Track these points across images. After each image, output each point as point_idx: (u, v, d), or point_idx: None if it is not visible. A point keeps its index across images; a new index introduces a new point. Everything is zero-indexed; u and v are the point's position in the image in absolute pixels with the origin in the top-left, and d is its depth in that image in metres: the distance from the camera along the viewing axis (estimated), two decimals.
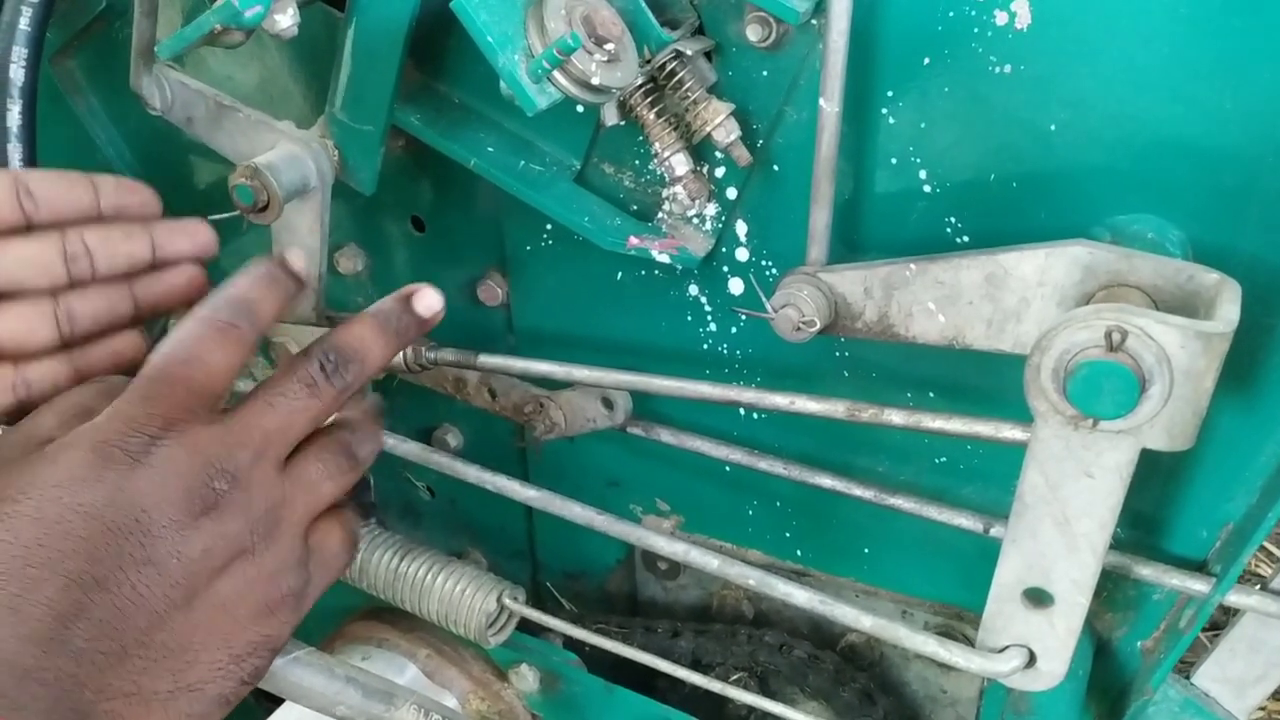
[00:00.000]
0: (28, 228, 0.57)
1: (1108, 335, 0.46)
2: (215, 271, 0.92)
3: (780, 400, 0.62)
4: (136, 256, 0.59)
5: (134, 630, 0.44)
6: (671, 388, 0.66)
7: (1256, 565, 1.43)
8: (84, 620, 0.43)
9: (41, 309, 0.56)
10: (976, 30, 0.54)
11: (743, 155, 0.62)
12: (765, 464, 0.73)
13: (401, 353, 0.73)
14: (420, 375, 0.78)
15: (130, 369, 0.55)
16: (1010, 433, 0.56)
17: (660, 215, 0.68)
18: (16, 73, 0.68)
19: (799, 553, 0.80)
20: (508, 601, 0.73)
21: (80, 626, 0.42)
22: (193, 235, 0.62)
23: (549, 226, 0.73)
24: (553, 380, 0.72)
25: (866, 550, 0.77)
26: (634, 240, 0.67)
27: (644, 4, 0.58)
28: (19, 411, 0.55)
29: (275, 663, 0.61)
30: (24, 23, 0.70)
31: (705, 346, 0.73)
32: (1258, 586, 0.60)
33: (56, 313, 0.57)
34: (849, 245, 0.64)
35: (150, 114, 0.70)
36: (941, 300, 0.57)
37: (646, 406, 0.77)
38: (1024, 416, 0.51)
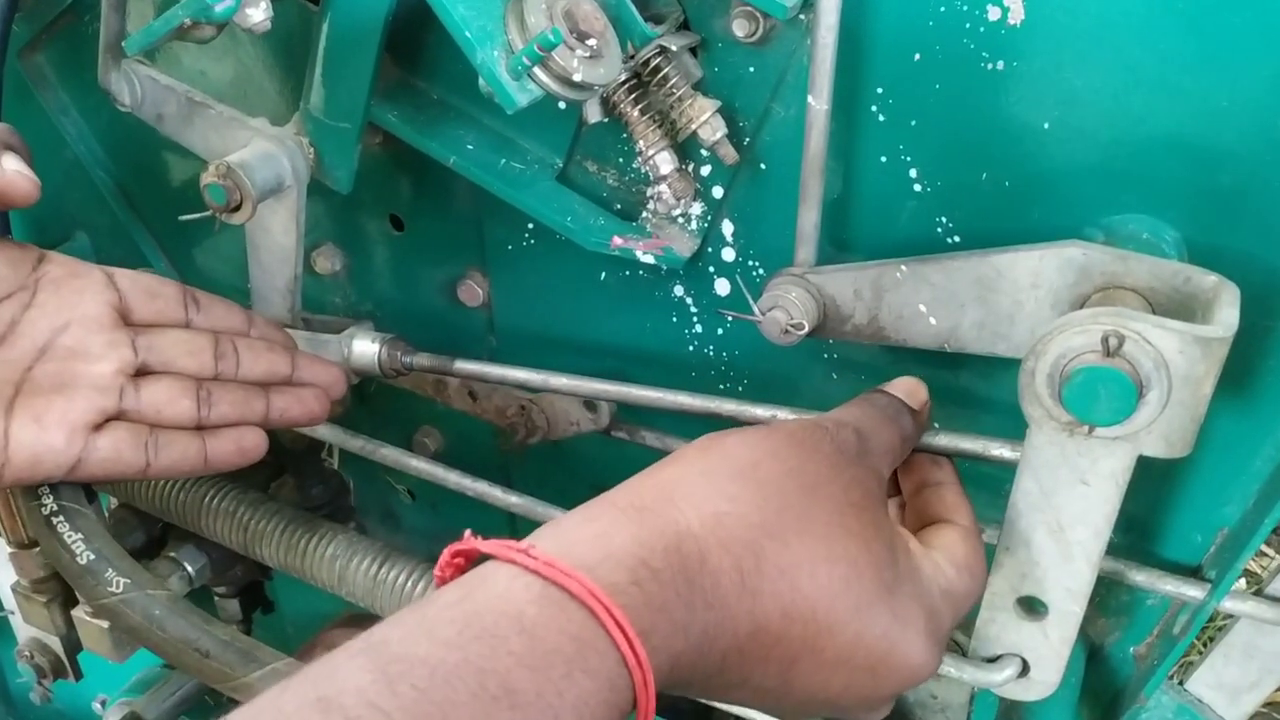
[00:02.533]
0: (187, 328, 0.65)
1: (1104, 340, 0.45)
2: (191, 272, 0.91)
3: (761, 412, 0.61)
4: (276, 369, 0.66)
5: None
6: (651, 398, 0.64)
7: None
8: None
9: (185, 386, 0.62)
10: (968, 26, 0.53)
11: (729, 153, 0.60)
12: None
13: (377, 357, 0.72)
14: (399, 378, 0.77)
15: (251, 463, 0.64)
16: (999, 451, 0.54)
17: (644, 214, 0.67)
18: None
19: None
20: None
21: None
22: (327, 368, 0.69)
23: (530, 226, 0.72)
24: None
25: None
26: (618, 240, 0.65)
27: None
28: (143, 472, 0.60)
29: (251, 675, 0.60)
30: None
31: (691, 349, 0.71)
32: (1253, 591, 0.60)
33: (198, 393, 0.62)
34: (838, 246, 0.62)
35: (121, 110, 0.68)
36: (933, 303, 0.56)
37: (631, 409, 0.75)
38: (1018, 420, 0.50)
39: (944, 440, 0.55)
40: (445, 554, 0.41)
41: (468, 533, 0.41)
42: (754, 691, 0.44)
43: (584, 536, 0.40)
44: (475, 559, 0.40)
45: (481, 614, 0.36)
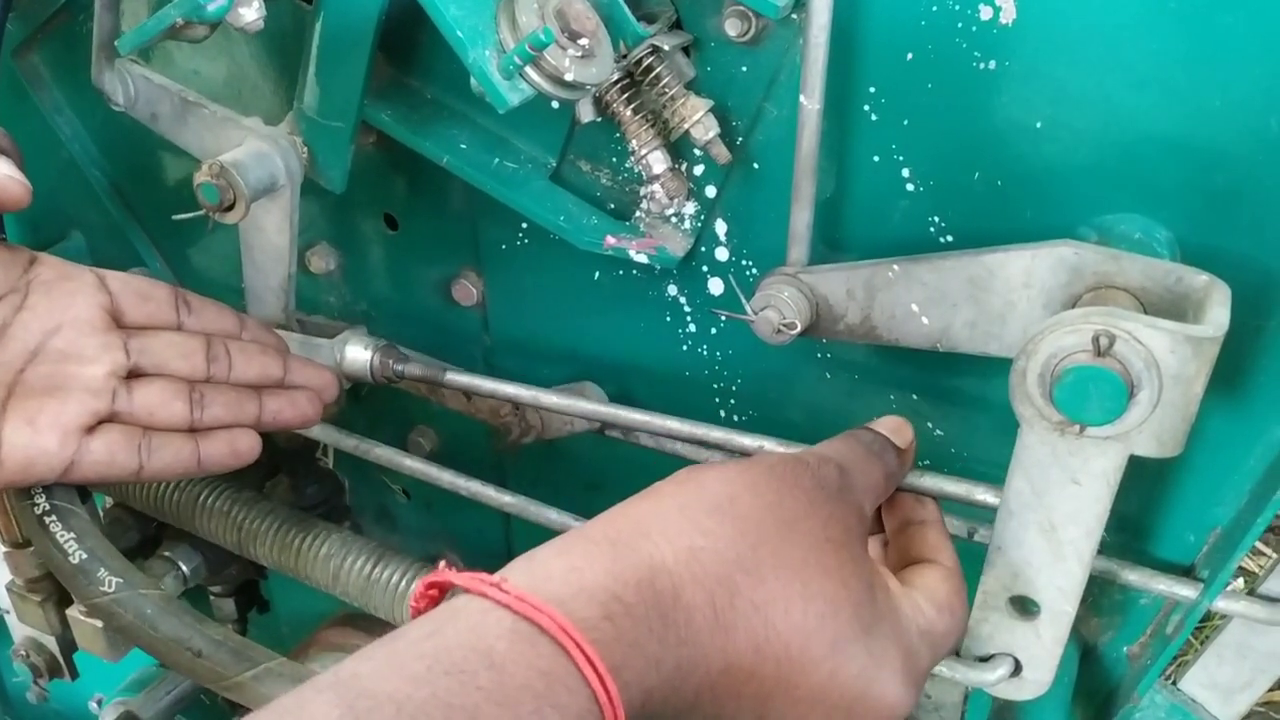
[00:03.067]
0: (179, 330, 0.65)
1: (1095, 340, 0.45)
2: (186, 271, 0.91)
3: (748, 442, 0.61)
4: (269, 371, 0.66)
5: None
6: (639, 421, 0.65)
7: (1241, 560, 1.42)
8: None
9: (178, 388, 0.62)
10: (960, 25, 0.53)
11: (722, 153, 0.60)
12: None
13: (369, 365, 0.72)
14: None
15: (244, 465, 0.64)
16: (983, 495, 0.55)
17: (638, 214, 0.67)
18: None
19: None
20: None
21: None
22: (319, 371, 0.69)
23: (524, 225, 0.72)
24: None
25: None
26: (611, 240, 0.65)
27: None
28: (137, 475, 0.60)
29: (245, 675, 0.60)
30: None
31: (685, 347, 0.71)
32: (1245, 590, 0.60)
33: (191, 395, 0.62)
34: (831, 245, 0.62)
35: (115, 110, 0.68)
36: (925, 302, 0.56)
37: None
38: (1010, 419, 0.50)
39: (928, 482, 0.55)
40: (419, 585, 0.40)
41: (442, 564, 0.40)
42: None
43: (556, 570, 0.39)
44: (450, 590, 0.40)
45: (451, 649, 0.35)
